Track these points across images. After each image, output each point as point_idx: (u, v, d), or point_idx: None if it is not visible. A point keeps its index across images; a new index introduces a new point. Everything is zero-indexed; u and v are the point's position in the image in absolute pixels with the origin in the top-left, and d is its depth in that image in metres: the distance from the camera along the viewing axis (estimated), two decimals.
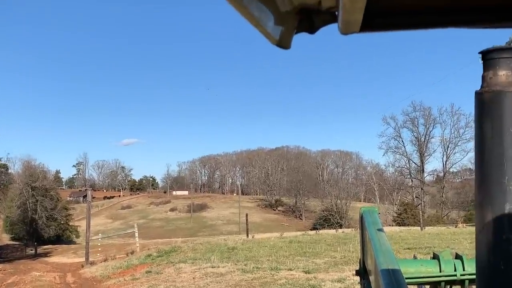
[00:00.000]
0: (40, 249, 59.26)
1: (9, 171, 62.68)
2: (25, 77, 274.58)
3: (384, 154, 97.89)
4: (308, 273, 11.78)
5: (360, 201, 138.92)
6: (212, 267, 13.95)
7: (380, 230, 2.43)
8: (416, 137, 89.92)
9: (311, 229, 68.88)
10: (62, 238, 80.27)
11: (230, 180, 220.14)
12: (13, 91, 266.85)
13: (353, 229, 36.07)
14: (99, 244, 42.20)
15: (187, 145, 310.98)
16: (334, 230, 40.29)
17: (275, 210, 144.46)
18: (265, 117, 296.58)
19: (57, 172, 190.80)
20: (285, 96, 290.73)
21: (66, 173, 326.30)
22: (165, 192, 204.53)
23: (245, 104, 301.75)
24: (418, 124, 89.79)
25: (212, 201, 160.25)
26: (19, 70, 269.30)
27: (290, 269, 12.57)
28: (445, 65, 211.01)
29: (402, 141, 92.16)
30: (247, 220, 32.00)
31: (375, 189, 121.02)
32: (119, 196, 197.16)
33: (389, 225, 61.71)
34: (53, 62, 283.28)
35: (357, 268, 2.83)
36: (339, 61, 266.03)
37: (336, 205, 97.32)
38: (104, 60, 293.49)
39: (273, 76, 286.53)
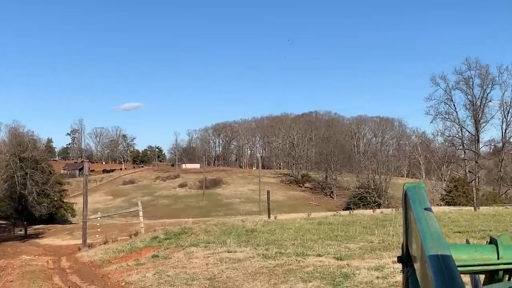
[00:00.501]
0: (30, 230, 60.40)
1: None
2: (10, 34, 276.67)
3: (432, 121, 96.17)
4: (340, 259, 11.86)
5: (402, 176, 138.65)
6: (228, 252, 14.11)
7: (428, 209, 2.41)
8: (470, 101, 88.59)
9: (343, 209, 69.06)
10: (55, 217, 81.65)
11: (249, 151, 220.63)
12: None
13: (393, 209, 36.05)
14: (98, 224, 42.90)
15: (198, 110, 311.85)
16: (371, 210, 40.30)
17: (301, 186, 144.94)
18: (290, 78, 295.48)
19: (49, 141, 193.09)
20: (314, 53, 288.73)
21: (59, 143, 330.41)
22: (173, 165, 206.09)
23: (266, 62, 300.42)
24: (473, 85, 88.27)
25: (228, 176, 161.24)
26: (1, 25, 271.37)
27: (319, 255, 12.65)
28: (507, 14, 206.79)
29: (454, 106, 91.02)
30: (268, 198, 32.13)
31: (421, 162, 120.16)
32: (121, 169, 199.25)
33: (437, 204, 61.54)
34: (42, 16, 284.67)
35: (399, 254, 2.82)
36: (378, 13, 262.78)
37: (373, 181, 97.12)
38: (101, 15, 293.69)
39: (299, 30, 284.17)
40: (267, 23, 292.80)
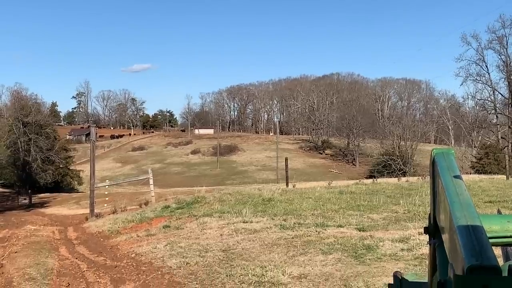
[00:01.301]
0: (35, 198, 61.08)
1: None
2: None
3: (462, 84, 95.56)
4: (363, 230, 11.89)
5: (429, 142, 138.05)
6: (244, 222, 14.21)
7: (458, 177, 2.38)
8: (504, 62, 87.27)
9: (366, 177, 69.02)
10: (61, 185, 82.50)
11: (266, 116, 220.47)
12: None
13: (420, 177, 35.96)
14: (106, 193, 43.26)
15: (212, 72, 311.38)
16: (396, 178, 40.24)
17: (321, 153, 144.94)
18: (309, 37, 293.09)
19: (54, 104, 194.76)
20: (335, 10, 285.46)
21: (65, 106, 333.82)
22: (183, 131, 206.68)
23: (282, 20, 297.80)
24: (507, 44, 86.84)
25: (244, 142, 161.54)
26: None
27: (340, 226, 12.70)
28: None
29: (486, 67, 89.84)
30: (286, 165, 32.20)
31: (450, 127, 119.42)
32: (129, 135, 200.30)
33: (467, 172, 61.26)
34: None
35: (426, 225, 2.81)
36: None
37: (399, 148, 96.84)
38: None
39: None
40: None
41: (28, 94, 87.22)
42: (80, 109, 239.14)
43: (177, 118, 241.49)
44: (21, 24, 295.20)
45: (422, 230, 2.75)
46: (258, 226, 13.48)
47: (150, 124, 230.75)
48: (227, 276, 8.56)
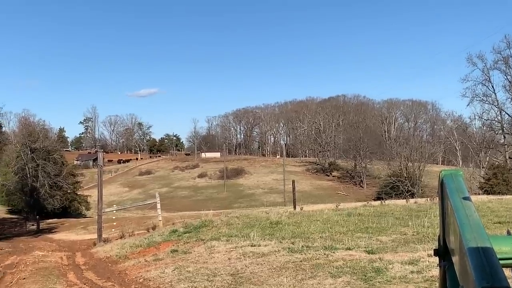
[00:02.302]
0: (43, 224, 61.12)
1: (3, 129, 64.47)
2: (19, 18, 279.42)
3: (468, 104, 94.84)
4: (372, 253, 11.83)
5: (437, 163, 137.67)
6: (252, 246, 14.16)
7: (467, 198, 2.38)
8: (510, 82, 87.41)
9: (374, 199, 68.81)
10: (69, 210, 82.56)
11: (272, 138, 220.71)
12: (3, 36, 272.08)
13: (428, 198, 35.81)
14: (113, 217, 43.33)
15: (218, 96, 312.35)
16: (404, 200, 40.08)
17: (328, 175, 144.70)
18: (315, 59, 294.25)
19: (61, 130, 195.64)
20: (340, 33, 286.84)
21: (72, 132, 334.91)
22: (187, 155, 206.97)
23: (287, 42, 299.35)
24: None
25: (250, 165, 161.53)
26: (7, 11, 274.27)
27: (349, 248, 12.64)
28: None
29: (492, 87, 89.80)
30: (294, 188, 32.16)
31: (457, 148, 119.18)
32: (136, 159, 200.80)
33: (475, 193, 61.05)
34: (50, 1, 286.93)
35: (435, 246, 2.80)
36: None
37: (406, 169, 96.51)
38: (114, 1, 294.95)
39: (323, 10, 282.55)
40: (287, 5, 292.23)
41: (35, 120, 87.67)
42: (88, 134, 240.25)
43: (183, 142, 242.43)
44: (28, 51, 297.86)
45: (431, 252, 2.74)
46: (266, 249, 13.43)
47: (157, 148, 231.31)
48: None
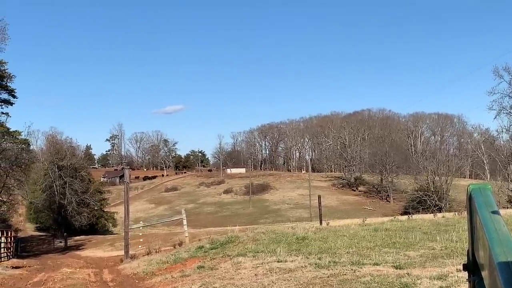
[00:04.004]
0: (70, 241, 61.58)
1: (31, 147, 65.17)
2: (45, 35, 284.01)
3: (495, 117, 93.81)
4: (399, 268, 11.71)
5: (464, 177, 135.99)
6: (278, 262, 14.11)
7: (496, 213, 2.36)
8: None
9: (401, 214, 68.27)
10: (96, 227, 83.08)
11: (297, 154, 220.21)
12: (31, 54, 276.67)
13: (456, 213, 35.41)
14: (140, 234, 43.49)
15: (243, 112, 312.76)
16: (432, 214, 39.66)
17: (354, 190, 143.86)
18: (340, 74, 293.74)
19: (88, 148, 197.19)
20: (364, 46, 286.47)
21: (99, 149, 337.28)
22: (210, 171, 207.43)
23: (312, 58, 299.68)
24: None
25: (276, 181, 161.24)
26: (36, 31, 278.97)
27: (376, 264, 12.53)
28: None
29: None
30: (320, 203, 32.03)
31: (485, 161, 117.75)
32: (162, 175, 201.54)
33: (504, 207, 60.11)
34: (76, 18, 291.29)
35: (464, 261, 2.77)
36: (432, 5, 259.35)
37: (433, 183, 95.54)
38: (139, 18, 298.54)
39: (349, 23, 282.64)
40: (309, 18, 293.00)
41: (63, 138, 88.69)
42: (114, 151, 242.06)
43: (209, 158, 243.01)
44: (55, 69, 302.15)
45: (460, 267, 2.72)
46: (293, 265, 13.38)
47: (183, 164, 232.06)
48: None
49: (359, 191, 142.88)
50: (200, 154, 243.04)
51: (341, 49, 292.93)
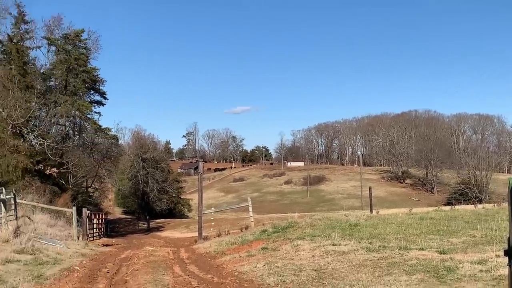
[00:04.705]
0: (152, 223, 62.74)
1: (119, 142, 66.82)
2: (133, 44, 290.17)
3: None
4: (443, 253, 11.45)
5: (503, 172, 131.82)
6: (333, 245, 14.02)
7: None
8: None
9: (444, 205, 66.67)
10: (173, 212, 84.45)
11: (350, 149, 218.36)
12: (119, 60, 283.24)
13: (495, 204, 34.26)
14: (212, 218, 43.94)
15: (302, 112, 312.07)
16: (473, 205, 38.55)
17: (402, 183, 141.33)
18: (389, 78, 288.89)
19: (167, 143, 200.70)
20: (412, 51, 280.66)
21: (176, 144, 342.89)
22: (271, 164, 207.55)
23: (365, 63, 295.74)
24: None
25: (330, 173, 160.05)
26: (123, 39, 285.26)
27: (422, 249, 12.29)
28: None
29: None
30: (370, 194, 31.64)
31: None
32: (231, 168, 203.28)
33: None
34: (159, 29, 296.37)
35: (503, 248, 2.71)
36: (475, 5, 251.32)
37: (474, 177, 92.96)
38: (216, 29, 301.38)
39: (398, 28, 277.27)
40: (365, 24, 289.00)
41: (146, 134, 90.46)
42: (189, 146, 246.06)
43: (271, 153, 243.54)
44: (140, 74, 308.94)
45: (499, 253, 2.66)
46: (346, 248, 13.27)
47: (249, 158, 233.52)
48: None
49: (406, 183, 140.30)
50: (263, 149, 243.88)
51: (387, 55, 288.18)
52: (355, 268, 10.49)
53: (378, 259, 11.23)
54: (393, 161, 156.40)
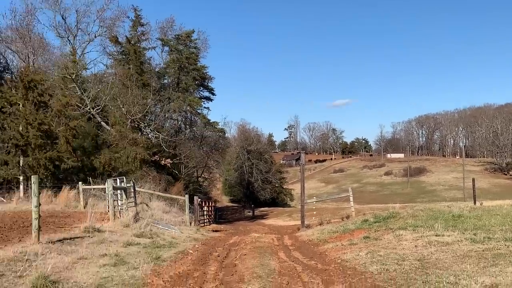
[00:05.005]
0: (256, 211, 63.81)
1: (226, 135, 68.56)
2: (240, 43, 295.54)
3: None
4: None
5: None
6: (436, 236, 13.55)
7: None
8: None
9: None
10: (276, 201, 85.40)
11: (452, 141, 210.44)
12: (226, 57, 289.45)
13: None
14: (314, 208, 44.00)
15: (401, 104, 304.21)
16: None
17: (506, 174, 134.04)
18: (492, 68, 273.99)
19: (270, 135, 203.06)
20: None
21: (278, 137, 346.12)
22: (371, 155, 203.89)
23: (467, 53, 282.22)
24: None
25: (431, 165, 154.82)
26: (235, 38, 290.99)
27: None
28: None
29: None
30: (474, 185, 30.21)
31: None
32: (331, 159, 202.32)
33: None
34: (263, 25, 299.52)
35: None
36: None
37: None
38: (318, 22, 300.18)
39: (505, 11, 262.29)
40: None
41: (250, 127, 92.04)
42: (291, 138, 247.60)
43: (371, 145, 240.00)
44: (243, 71, 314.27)
45: None
46: (450, 239, 12.78)
47: (348, 150, 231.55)
48: (423, 282, 8.22)
49: (510, 175, 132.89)
50: (363, 141, 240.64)
51: (490, 43, 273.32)
52: (459, 258, 10.09)
53: (483, 250, 10.73)
54: (497, 153, 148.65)
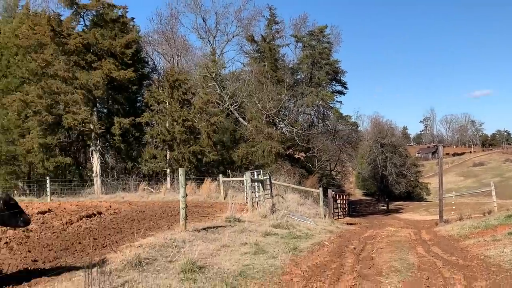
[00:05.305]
0: (391, 205, 62.29)
1: (359, 128, 67.72)
2: (374, 36, 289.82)
3: None
4: None
5: None
6: None
7: None
8: None
9: None
10: (412, 195, 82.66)
11: None
12: (361, 50, 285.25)
13: None
14: (453, 202, 41.95)
15: None
16: None
17: None
18: None
19: (404, 128, 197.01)
20: None
21: (413, 129, 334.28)
22: None
23: None
24: None
25: None
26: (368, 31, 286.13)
27: None
28: None
29: None
30: None
31: None
32: (470, 152, 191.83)
33: None
34: (402, 17, 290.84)
35: None
36: None
37: None
38: (454, 12, 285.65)
39: None
40: None
41: (384, 120, 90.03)
42: (426, 131, 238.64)
43: None
44: (378, 64, 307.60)
45: None
46: None
47: (489, 142, 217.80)
48: None
49: None
50: (505, 133, 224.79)
51: None
52: None
53: None
54: None
